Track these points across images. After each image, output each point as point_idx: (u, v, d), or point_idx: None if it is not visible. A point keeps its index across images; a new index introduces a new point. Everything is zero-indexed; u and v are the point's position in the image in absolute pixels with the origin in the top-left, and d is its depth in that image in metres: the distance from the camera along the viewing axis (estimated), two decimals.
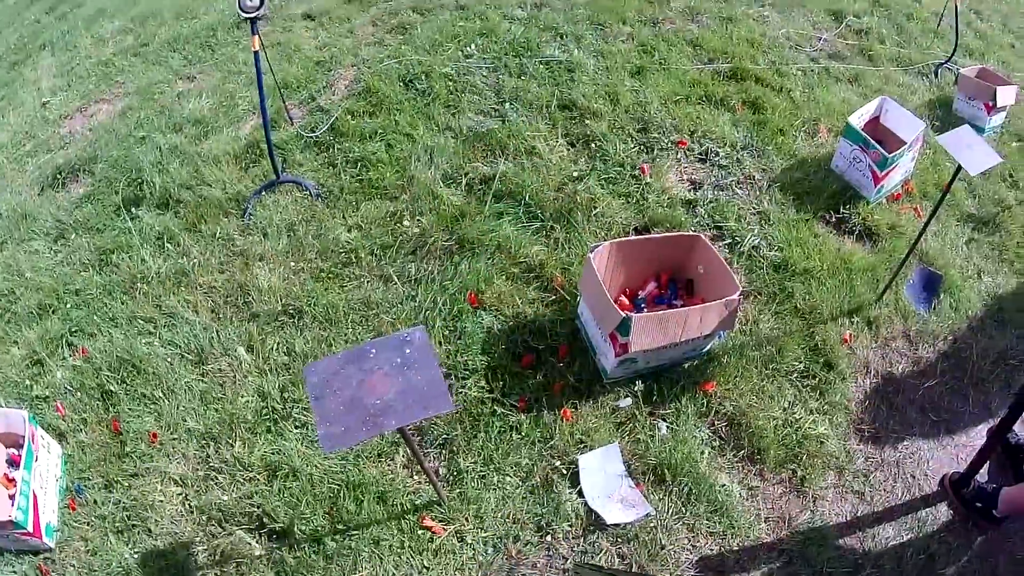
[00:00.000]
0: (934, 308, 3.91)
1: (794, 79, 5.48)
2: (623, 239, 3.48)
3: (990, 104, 5.20)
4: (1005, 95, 5.18)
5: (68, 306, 4.13)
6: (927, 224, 3.54)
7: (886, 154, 4.20)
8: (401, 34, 6.10)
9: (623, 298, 3.54)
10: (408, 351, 2.48)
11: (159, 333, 3.85)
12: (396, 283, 3.91)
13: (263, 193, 4.58)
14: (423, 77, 5.28)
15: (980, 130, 5.30)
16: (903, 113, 4.64)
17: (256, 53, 4.19)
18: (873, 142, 4.29)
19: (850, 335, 3.69)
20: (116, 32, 7.63)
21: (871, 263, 4.05)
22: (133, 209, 4.73)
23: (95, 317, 4.00)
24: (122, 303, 4.05)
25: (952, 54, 6.07)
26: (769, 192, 4.42)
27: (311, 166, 4.82)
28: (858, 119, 4.51)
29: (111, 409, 3.55)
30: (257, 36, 4.16)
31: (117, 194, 4.90)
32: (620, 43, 5.72)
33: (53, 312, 4.13)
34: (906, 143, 4.35)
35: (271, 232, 4.34)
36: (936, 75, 6.00)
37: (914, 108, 5.43)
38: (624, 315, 3.01)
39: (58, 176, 5.35)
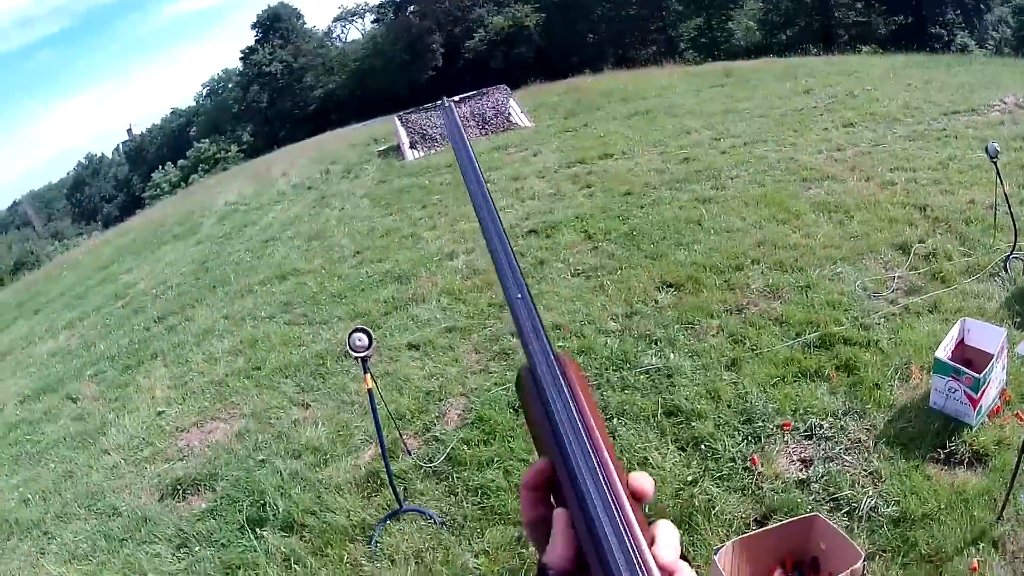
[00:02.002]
0: None
1: (878, 328, 5.76)
2: (744, 536, 3.71)
3: None
4: None
5: None
6: None
7: (976, 375, 4.35)
8: (504, 360, 6.48)
9: None
10: None
11: None
12: None
13: (388, 522, 4.71)
14: None
15: None
16: (983, 327, 4.87)
17: (370, 391, 4.46)
18: (963, 368, 4.47)
19: (977, 562, 3.74)
20: (226, 352, 8.17)
21: (985, 486, 4.13)
22: (257, 529, 4.92)
23: None
24: None
25: (1014, 243, 6.30)
26: (876, 450, 4.58)
27: (432, 495, 4.98)
28: (944, 350, 4.68)
29: None
30: (369, 375, 4.43)
31: (240, 512, 5.13)
32: (711, 337, 6.10)
33: None
34: (993, 355, 4.51)
35: (398, 559, 4.44)
36: (1007, 270, 6.22)
37: (994, 314, 5.65)
38: None
39: (178, 487, 5.65)
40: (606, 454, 0.68)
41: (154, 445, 6.57)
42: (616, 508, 0.63)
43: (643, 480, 0.72)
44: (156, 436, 6.74)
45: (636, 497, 0.69)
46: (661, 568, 0.62)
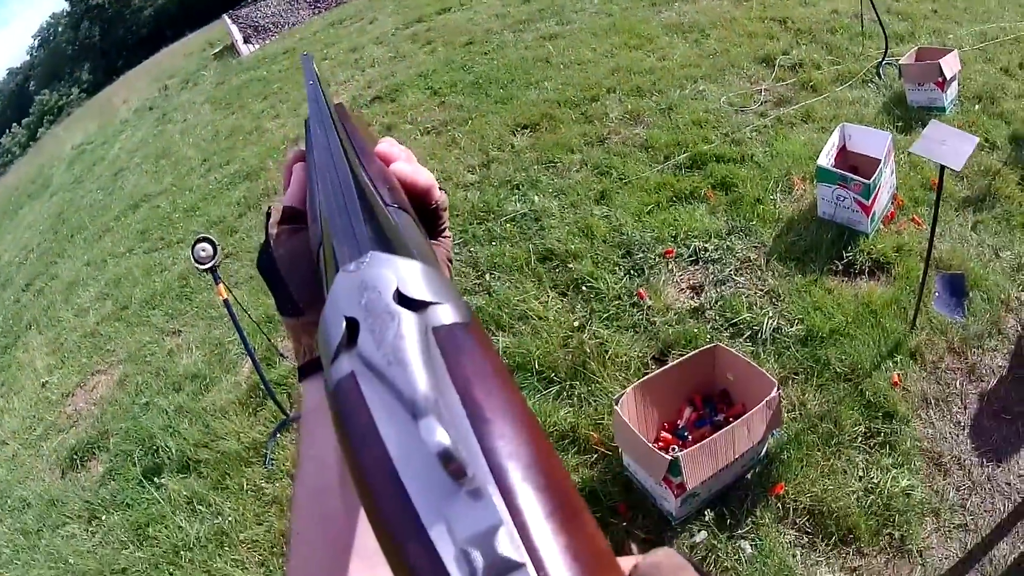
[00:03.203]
0: (968, 309, 3.82)
1: (751, 143, 5.51)
2: (643, 380, 3.39)
3: (940, 81, 5.23)
4: (949, 65, 5.23)
5: None
6: (933, 233, 3.46)
7: (866, 181, 4.14)
8: None
9: (664, 434, 3.44)
10: None
11: None
12: None
13: (278, 435, 4.53)
14: None
15: (942, 110, 5.33)
16: (865, 131, 4.64)
17: (225, 301, 4.20)
18: (849, 175, 4.24)
19: (898, 375, 3.58)
20: (94, 300, 7.77)
21: (893, 295, 3.97)
22: (156, 478, 4.70)
23: None
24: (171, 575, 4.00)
25: (885, 49, 6.13)
26: (769, 268, 4.35)
27: None
28: (826, 158, 4.46)
29: None
30: (221, 284, 4.18)
31: (135, 466, 4.88)
32: (575, 173, 5.77)
33: None
34: (880, 160, 4.29)
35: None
36: (880, 76, 6.05)
37: (873, 119, 5.46)
38: (670, 458, 2.92)
39: (75, 457, 5.34)
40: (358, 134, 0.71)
41: (45, 420, 6.14)
42: (345, 151, 0.60)
43: (387, 143, 0.71)
44: (45, 410, 6.30)
45: (385, 160, 0.69)
46: (408, 185, 0.68)
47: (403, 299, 0.37)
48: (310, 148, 0.71)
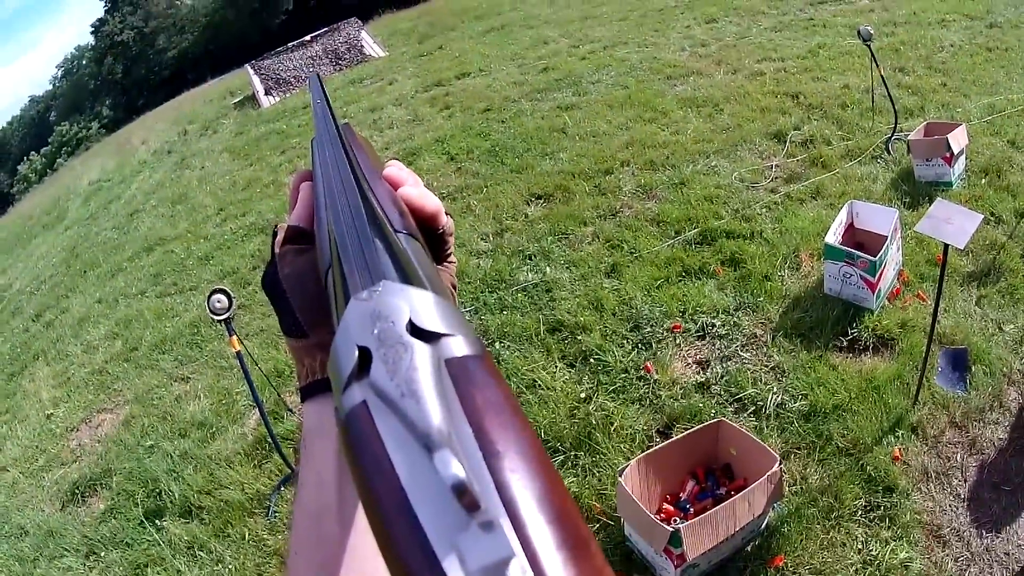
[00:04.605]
0: (970, 383, 3.84)
1: (760, 219, 5.56)
2: (647, 452, 3.45)
3: (948, 156, 5.29)
4: (957, 140, 5.27)
5: None
6: (936, 309, 3.50)
7: (872, 258, 4.19)
8: None
9: (667, 506, 3.48)
10: None
11: None
12: None
13: (282, 488, 4.56)
14: None
15: (949, 185, 5.39)
16: (873, 208, 4.69)
17: (238, 353, 4.20)
18: (855, 252, 4.29)
19: (899, 450, 3.61)
20: (103, 338, 7.75)
21: (896, 370, 3.99)
22: (157, 520, 4.70)
23: None
24: None
25: (895, 125, 6.19)
26: (775, 344, 4.39)
27: None
28: (833, 235, 4.52)
29: None
30: (234, 336, 4.19)
31: (137, 506, 4.87)
32: (587, 245, 5.83)
33: None
34: (886, 237, 4.35)
35: None
36: (889, 151, 6.10)
37: (882, 195, 5.53)
38: (671, 529, 2.97)
39: (76, 491, 5.34)
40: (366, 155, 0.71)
41: (47, 451, 6.17)
42: (352, 175, 0.63)
43: (395, 167, 0.71)
44: (48, 441, 6.34)
45: (393, 184, 0.69)
46: (417, 210, 0.68)
47: (416, 330, 0.37)
48: (316, 168, 0.73)
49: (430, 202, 0.69)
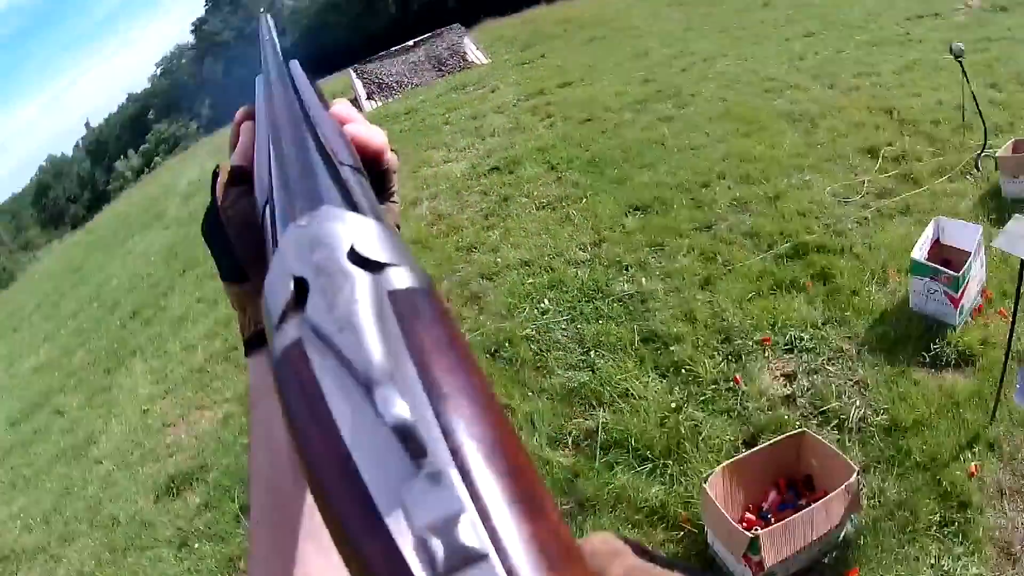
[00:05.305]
0: None
1: (851, 234, 5.65)
2: (732, 461, 3.62)
3: None
4: None
5: None
6: (1012, 326, 3.62)
7: (955, 274, 4.28)
8: (476, 304, 6.30)
9: (748, 515, 3.62)
10: None
11: None
12: None
13: None
14: (506, 344, 5.47)
15: None
16: (958, 225, 4.77)
17: None
18: (939, 267, 4.39)
19: (975, 466, 3.69)
20: (202, 337, 8.00)
21: (976, 387, 4.07)
22: None
23: None
24: None
25: (984, 141, 6.21)
26: (860, 358, 4.50)
27: None
28: (920, 251, 4.61)
29: None
30: None
31: (234, 502, 5.03)
32: (682, 258, 5.95)
33: None
34: (970, 254, 4.44)
35: None
36: (978, 168, 6.13)
37: (970, 212, 5.58)
38: (750, 536, 3.13)
39: (172, 485, 5.54)
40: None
41: (143, 446, 6.46)
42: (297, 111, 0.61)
43: (343, 105, 0.69)
44: (144, 436, 6.64)
45: (340, 121, 0.65)
46: (362, 145, 0.64)
47: (358, 258, 0.34)
48: (260, 104, 0.72)
49: (377, 137, 0.68)
